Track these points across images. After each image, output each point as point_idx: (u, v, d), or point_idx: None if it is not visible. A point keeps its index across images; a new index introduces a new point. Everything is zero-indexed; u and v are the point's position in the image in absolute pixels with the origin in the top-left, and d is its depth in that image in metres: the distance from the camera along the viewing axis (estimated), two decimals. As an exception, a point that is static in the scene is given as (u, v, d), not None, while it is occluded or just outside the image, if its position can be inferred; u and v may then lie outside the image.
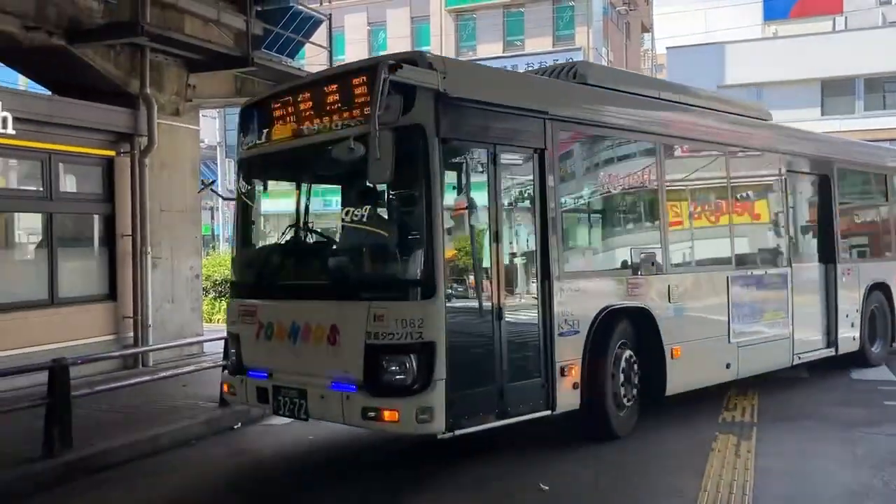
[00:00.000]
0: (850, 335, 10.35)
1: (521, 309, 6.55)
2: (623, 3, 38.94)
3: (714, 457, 6.65)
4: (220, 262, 19.78)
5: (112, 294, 11.45)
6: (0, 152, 10.14)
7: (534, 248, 6.65)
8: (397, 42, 34.91)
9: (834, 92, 31.55)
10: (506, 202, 6.54)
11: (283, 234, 7.17)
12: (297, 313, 6.38)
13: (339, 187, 7.30)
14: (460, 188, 6.30)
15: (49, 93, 11.83)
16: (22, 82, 15.70)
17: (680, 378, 7.68)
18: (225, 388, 7.18)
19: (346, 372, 5.92)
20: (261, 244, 7.57)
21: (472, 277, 6.18)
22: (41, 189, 10.65)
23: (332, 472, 6.76)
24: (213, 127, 34.07)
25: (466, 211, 6.22)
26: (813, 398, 9.10)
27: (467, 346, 6.04)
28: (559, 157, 6.98)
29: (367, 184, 5.96)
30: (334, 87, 6.43)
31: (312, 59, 19.10)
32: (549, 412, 6.53)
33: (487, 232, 6.26)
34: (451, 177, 6.19)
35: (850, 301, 10.41)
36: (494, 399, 6.14)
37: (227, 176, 33.80)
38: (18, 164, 10.94)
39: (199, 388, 9.17)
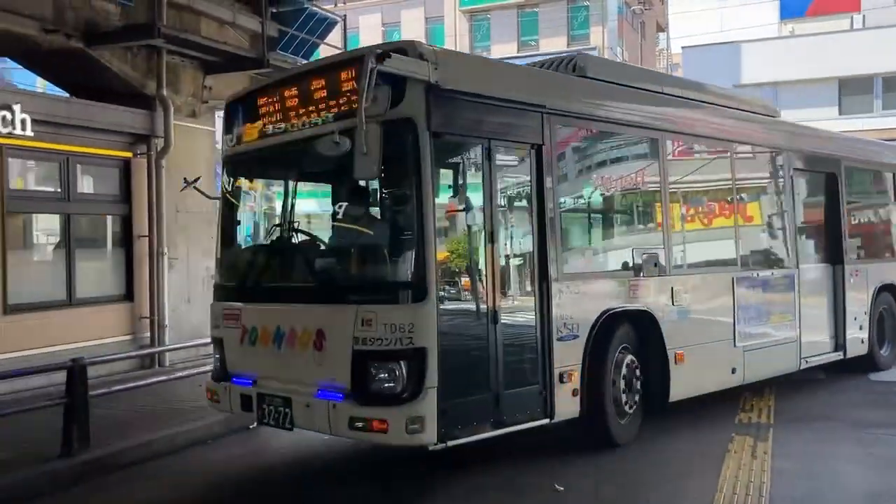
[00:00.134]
0: (858, 338, 10.02)
1: (518, 312, 6.16)
2: (638, 3, 38.76)
3: (730, 458, 6.60)
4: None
5: (129, 294, 11.57)
6: (19, 154, 10.28)
7: (531, 249, 6.29)
8: (412, 43, 34.93)
9: (852, 91, 31.23)
10: (501, 200, 6.20)
11: (268, 234, 6.93)
12: (282, 317, 6.07)
13: (326, 185, 6.97)
14: (453, 185, 6.03)
15: (67, 95, 11.96)
16: (40, 85, 15.85)
17: (684, 384, 7.39)
18: (208, 394, 6.78)
19: (333, 379, 5.60)
20: (245, 245, 7.18)
21: (465, 279, 5.86)
22: (59, 190, 10.78)
23: (352, 472, 6.75)
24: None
25: (460, 209, 5.91)
26: (829, 399, 9.03)
27: (460, 351, 5.68)
28: (557, 152, 6.66)
29: (355, 180, 5.68)
30: (321, 79, 6.05)
31: (327, 61, 19.11)
32: (547, 420, 6.20)
33: (482, 231, 5.91)
34: (443, 173, 5.92)
35: (859, 303, 10.09)
36: (489, 407, 5.80)
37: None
38: (37, 165, 11.07)
39: (215, 388, 9.20)
